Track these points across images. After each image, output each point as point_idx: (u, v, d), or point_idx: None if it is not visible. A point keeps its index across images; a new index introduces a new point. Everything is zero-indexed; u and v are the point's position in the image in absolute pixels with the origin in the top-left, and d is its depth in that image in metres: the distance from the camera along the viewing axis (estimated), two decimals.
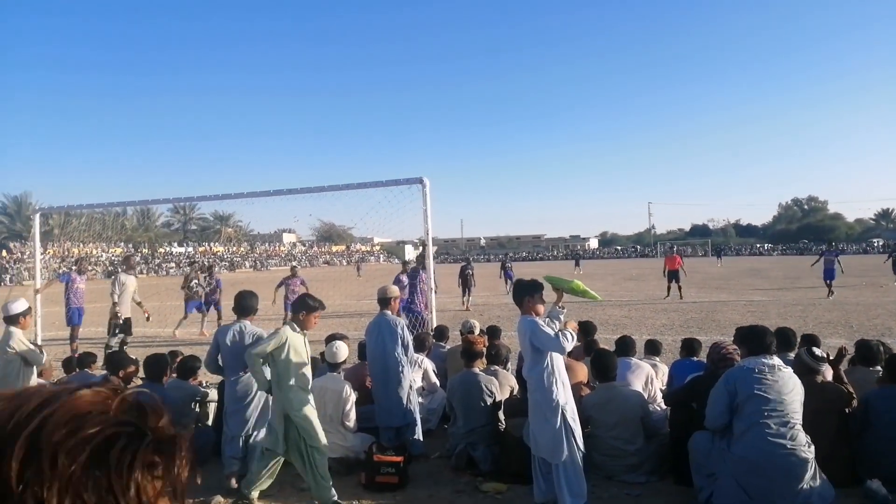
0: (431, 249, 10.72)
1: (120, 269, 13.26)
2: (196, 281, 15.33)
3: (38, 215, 13.09)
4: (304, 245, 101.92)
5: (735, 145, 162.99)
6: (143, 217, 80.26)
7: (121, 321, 11.67)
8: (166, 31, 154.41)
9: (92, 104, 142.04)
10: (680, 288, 21.57)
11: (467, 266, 21.25)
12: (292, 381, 4.81)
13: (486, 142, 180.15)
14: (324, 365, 6.41)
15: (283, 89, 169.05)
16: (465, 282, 20.76)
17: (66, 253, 60.32)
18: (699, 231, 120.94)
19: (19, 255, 61.20)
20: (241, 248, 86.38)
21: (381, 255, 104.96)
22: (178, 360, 6.98)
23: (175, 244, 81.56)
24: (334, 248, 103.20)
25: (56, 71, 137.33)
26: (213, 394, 6.62)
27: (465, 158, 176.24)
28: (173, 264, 67.72)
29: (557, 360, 4.63)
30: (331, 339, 6.73)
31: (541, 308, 4.76)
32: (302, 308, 5.02)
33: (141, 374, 6.56)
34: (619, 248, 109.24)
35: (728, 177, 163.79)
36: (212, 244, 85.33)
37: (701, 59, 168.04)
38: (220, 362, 5.56)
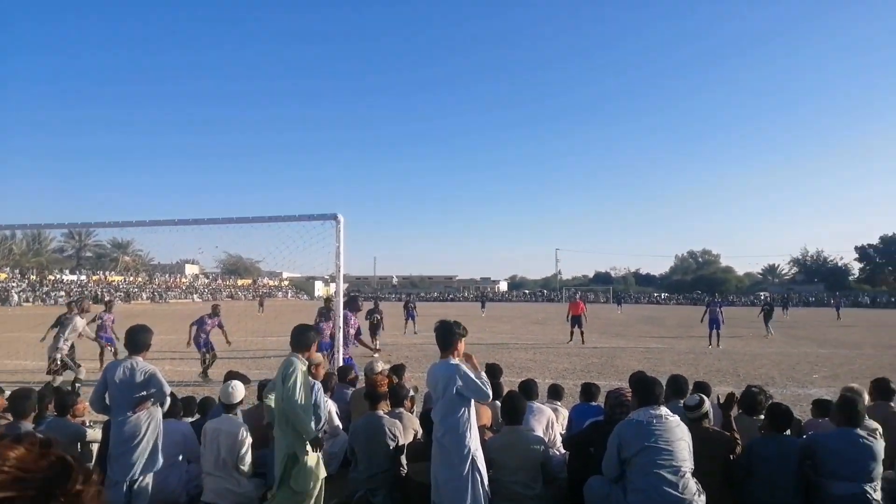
0: (342, 286, 10.62)
1: (75, 310, 12.12)
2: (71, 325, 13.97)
3: None
4: (208, 278, 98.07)
5: (638, 197, 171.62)
6: (33, 241, 75.11)
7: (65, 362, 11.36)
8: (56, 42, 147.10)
9: None
10: (582, 333, 22.28)
11: (375, 310, 20.17)
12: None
13: (402, 181, 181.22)
14: (219, 405, 6.14)
15: (195, 117, 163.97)
16: (374, 326, 19.63)
17: None
18: (602, 278, 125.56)
19: None
20: (139, 279, 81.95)
21: (290, 291, 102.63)
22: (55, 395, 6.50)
23: (67, 271, 76.50)
24: (240, 282, 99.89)
25: None
26: (97, 433, 6.19)
27: (380, 196, 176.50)
28: (63, 293, 63.45)
29: (473, 407, 4.65)
30: (228, 377, 6.47)
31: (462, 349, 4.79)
32: (306, 345, 5.09)
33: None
34: (526, 291, 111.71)
35: (631, 228, 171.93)
36: (107, 273, 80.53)
37: (605, 116, 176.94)
38: (108, 400, 5.19)
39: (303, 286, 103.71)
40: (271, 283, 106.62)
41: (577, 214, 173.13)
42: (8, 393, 6.04)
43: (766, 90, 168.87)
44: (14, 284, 62.00)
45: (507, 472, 5.17)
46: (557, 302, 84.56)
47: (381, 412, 5.83)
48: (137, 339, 5.29)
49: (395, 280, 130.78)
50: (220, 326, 14.43)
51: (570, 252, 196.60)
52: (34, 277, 69.05)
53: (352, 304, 12.03)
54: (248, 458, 5.53)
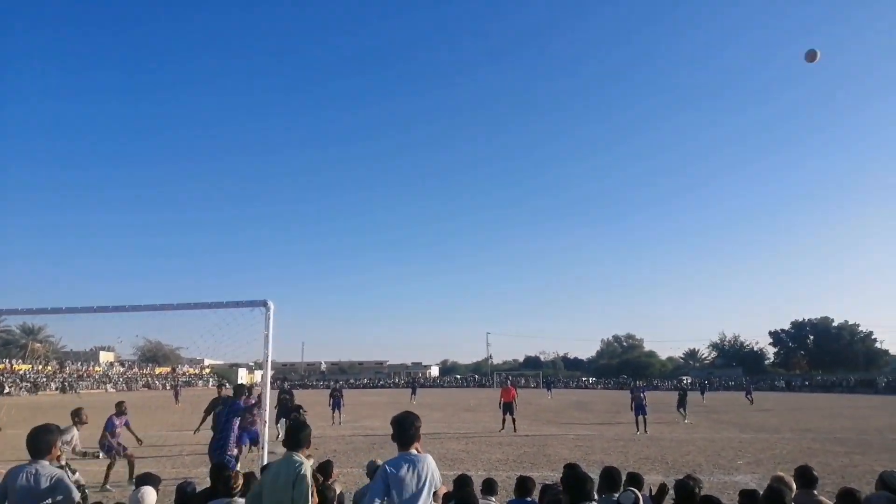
0: (269, 377, 10.26)
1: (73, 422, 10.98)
2: None
3: None
4: (124, 366, 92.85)
5: (565, 280, 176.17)
6: None
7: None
8: None
9: None
10: (514, 420, 22.22)
11: (287, 397, 19.36)
12: None
13: (329, 264, 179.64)
14: None
15: (117, 197, 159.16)
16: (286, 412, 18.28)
17: None
18: (532, 363, 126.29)
19: None
20: (49, 367, 76.68)
21: (211, 379, 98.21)
22: None
23: None
24: (157, 370, 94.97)
25: None
26: None
27: (307, 279, 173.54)
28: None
29: None
30: (139, 482, 6.05)
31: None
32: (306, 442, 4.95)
33: None
34: (458, 376, 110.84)
35: (559, 311, 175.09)
36: (13, 361, 74.92)
37: (533, 202, 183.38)
38: None
39: (225, 374, 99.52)
40: (192, 370, 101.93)
41: (506, 297, 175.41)
42: None
43: (680, 183, 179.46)
44: None
45: None
46: (489, 387, 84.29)
47: None
48: (40, 441, 4.91)
49: (323, 366, 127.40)
50: (127, 425, 13.11)
51: (500, 336, 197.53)
52: None
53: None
54: None
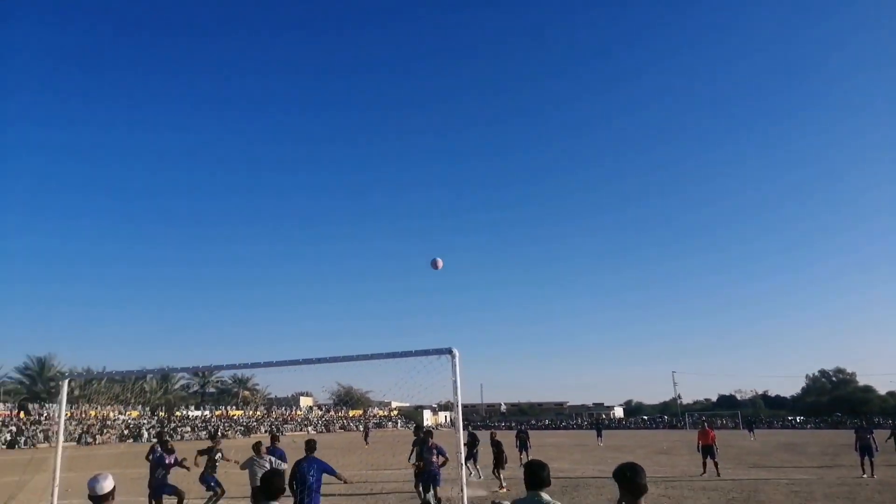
0: (461, 420, 10.49)
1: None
2: (219, 454, 13.88)
3: (66, 381, 13.18)
4: (321, 409, 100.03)
5: (760, 316, 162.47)
6: (162, 380, 79.90)
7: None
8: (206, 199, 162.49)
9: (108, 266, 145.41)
10: (716, 464, 20.60)
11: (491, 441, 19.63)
12: None
13: (507, 306, 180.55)
14: None
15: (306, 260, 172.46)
16: (499, 456, 18.78)
17: (84, 416, 59.84)
18: (726, 402, 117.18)
19: (37, 416, 60.49)
20: (258, 413, 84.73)
21: (399, 421, 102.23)
22: None
23: (192, 407, 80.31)
24: (351, 413, 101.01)
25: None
26: None
27: (484, 323, 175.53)
28: (189, 428, 66.26)
29: None
30: None
31: None
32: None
33: None
34: (645, 417, 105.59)
35: (752, 347, 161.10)
36: (228, 407, 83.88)
37: (721, 233, 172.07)
38: None
39: (411, 415, 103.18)
40: (381, 412, 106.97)
41: (694, 334, 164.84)
42: None
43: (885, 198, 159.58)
44: (144, 422, 65.44)
45: None
46: (680, 429, 79.37)
47: None
48: (272, 486, 5.35)
49: (503, 408, 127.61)
50: (178, 461, 12.93)
51: (688, 374, 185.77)
52: (163, 414, 72.79)
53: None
54: None
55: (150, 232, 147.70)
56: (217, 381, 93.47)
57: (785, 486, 17.75)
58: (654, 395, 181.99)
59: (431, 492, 13.06)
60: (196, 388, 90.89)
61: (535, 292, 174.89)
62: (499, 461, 18.69)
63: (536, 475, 4.74)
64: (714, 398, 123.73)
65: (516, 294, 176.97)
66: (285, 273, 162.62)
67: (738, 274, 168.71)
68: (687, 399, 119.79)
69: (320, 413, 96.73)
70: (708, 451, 20.81)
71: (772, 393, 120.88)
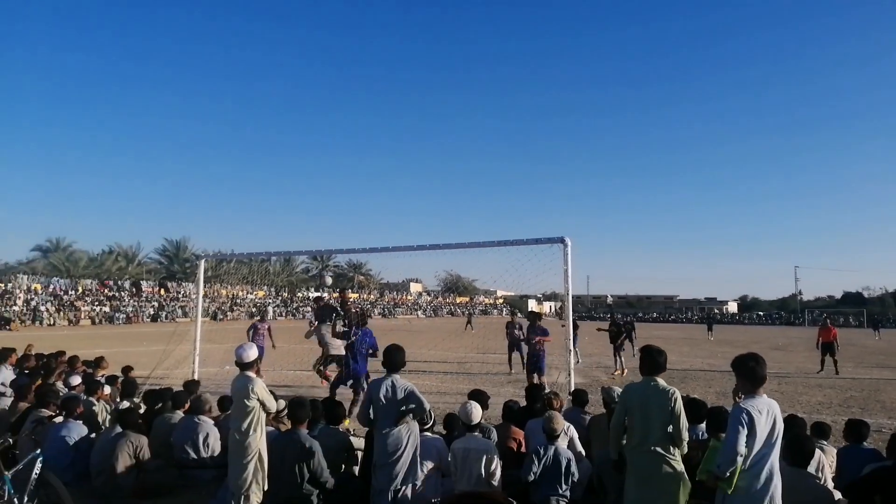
0: (571, 309, 10.57)
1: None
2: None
3: (202, 261, 14.36)
4: (430, 295, 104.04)
5: (889, 207, 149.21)
6: (285, 263, 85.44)
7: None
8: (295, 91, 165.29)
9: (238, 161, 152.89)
10: (836, 362, 19.83)
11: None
12: None
13: (615, 194, 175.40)
14: (462, 426, 6.35)
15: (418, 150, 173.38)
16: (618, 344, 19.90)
17: (216, 294, 65.42)
18: (852, 299, 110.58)
19: (175, 294, 66.90)
20: (371, 296, 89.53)
21: (504, 309, 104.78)
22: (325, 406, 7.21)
23: (312, 289, 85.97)
24: (458, 300, 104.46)
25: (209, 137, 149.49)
26: (361, 443, 6.79)
27: (594, 212, 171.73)
28: (309, 308, 71.29)
29: None
30: (470, 396, 6.80)
31: None
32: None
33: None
34: (760, 313, 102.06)
35: (885, 243, 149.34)
36: (345, 291, 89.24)
37: (851, 120, 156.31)
38: (372, 415, 5.67)
39: (516, 304, 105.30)
40: (487, 300, 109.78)
41: (819, 227, 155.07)
42: (282, 403, 6.84)
43: None
44: (270, 301, 70.89)
45: None
46: (798, 325, 76.41)
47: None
48: (395, 359, 5.77)
49: (609, 300, 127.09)
50: (270, 330, 15.68)
51: (811, 270, 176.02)
52: (286, 295, 78.45)
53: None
54: (499, 475, 5.69)
55: (275, 120, 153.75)
56: (334, 266, 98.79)
57: None
58: (771, 291, 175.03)
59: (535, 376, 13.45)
60: (315, 271, 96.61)
61: (646, 182, 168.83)
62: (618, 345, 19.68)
63: (654, 360, 4.75)
64: (838, 295, 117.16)
65: (627, 185, 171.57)
66: (395, 162, 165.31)
67: (868, 160, 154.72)
68: (808, 296, 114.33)
69: (429, 298, 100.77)
70: (828, 348, 20.04)
71: None
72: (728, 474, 4.00)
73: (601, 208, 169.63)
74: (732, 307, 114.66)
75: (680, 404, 4.59)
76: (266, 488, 5.60)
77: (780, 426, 4.18)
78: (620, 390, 7.29)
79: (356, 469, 6.79)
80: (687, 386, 16.10)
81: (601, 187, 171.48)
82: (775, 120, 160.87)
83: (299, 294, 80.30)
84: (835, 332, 20.45)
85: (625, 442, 4.86)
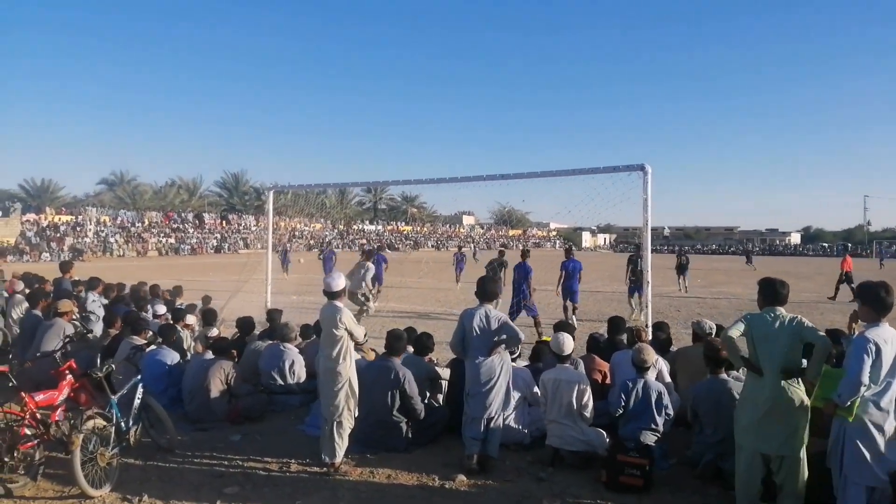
0: (649, 239, 10.16)
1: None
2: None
3: (271, 192, 14.40)
4: (483, 228, 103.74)
5: None
6: (340, 195, 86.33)
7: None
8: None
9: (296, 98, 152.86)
10: (852, 290, 19.14)
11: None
12: None
13: (673, 123, 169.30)
14: (552, 357, 6.29)
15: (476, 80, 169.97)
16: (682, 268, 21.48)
17: (276, 226, 66.90)
18: None
19: (236, 226, 68.64)
20: (425, 229, 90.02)
21: (557, 241, 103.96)
22: (414, 336, 7.26)
23: (367, 222, 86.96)
24: (511, 233, 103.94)
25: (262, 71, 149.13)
26: (446, 373, 6.84)
27: (646, 141, 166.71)
28: (364, 241, 72.34)
29: None
30: (558, 328, 6.72)
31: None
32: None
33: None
34: (825, 244, 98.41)
35: None
36: (399, 223, 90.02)
37: None
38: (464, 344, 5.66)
39: (570, 237, 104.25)
40: (540, 233, 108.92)
41: (889, 154, 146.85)
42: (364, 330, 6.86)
43: None
44: (327, 233, 72.16)
45: None
46: (866, 257, 73.59)
47: (724, 376, 5.54)
48: (488, 289, 5.70)
49: (666, 231, 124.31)
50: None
51: (880, 199, 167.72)
52: (342, 227, 79.59)
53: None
54: (591, 407, 5.66)
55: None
56: (388, 199, 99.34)
57: None
58: (837, 222, 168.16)
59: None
60: (369, 204, 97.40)
61: (705, 106, 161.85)
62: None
63: (776, 291, 4.54)
64: None
65: (686, 112, 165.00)
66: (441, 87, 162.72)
67: None
68: (877, 226, 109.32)
69: (482, 231, 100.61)
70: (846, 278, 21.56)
71: None
72: (849, 403, 3.88)
73: (657, 137, 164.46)
74: (795, 238, 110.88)
75: (816, 333, 4.33)
76: (357, 414, 5.70)
77: None
78: (709, 322, 7.12)
79: (440, 398, 6.87)
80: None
81: (659, 115, 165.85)
82: (837, 42, 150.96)
83: (355, 226, 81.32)
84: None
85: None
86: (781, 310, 4.45)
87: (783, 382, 4.32)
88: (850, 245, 77.80)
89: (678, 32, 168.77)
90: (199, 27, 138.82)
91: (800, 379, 4.36)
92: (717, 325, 7.17)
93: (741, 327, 4.50)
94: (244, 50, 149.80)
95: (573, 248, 22.11)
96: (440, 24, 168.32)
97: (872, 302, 4.11)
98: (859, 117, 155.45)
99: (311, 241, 60.81)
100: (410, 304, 18.31)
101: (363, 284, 14.06)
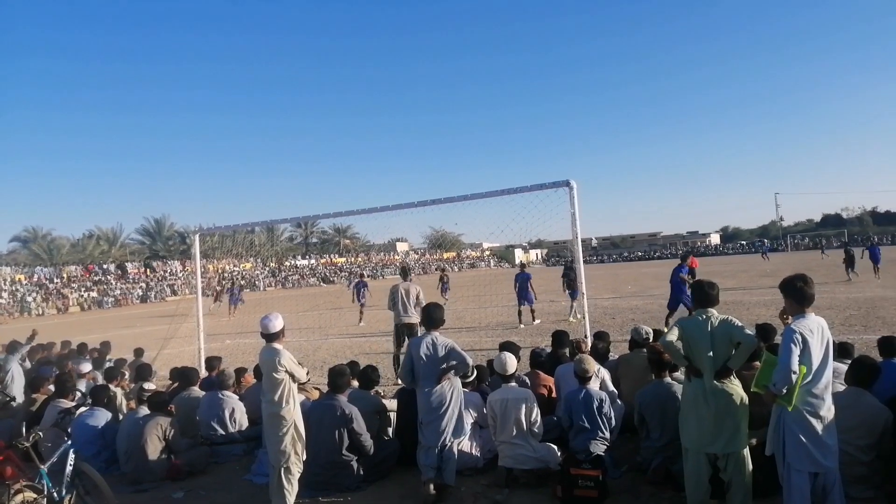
0: (580, 251, 10.38)
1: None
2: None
3: (197, 235, 13.99)
4: (417, 253, 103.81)
5: (866, 125, 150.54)
6: (269, 233, 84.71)
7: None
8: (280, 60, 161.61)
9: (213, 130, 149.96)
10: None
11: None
12: None
13: (592, 136, 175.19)
14: (497, 377, 6.32)
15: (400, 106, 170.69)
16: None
17: (204, 270, 64.77)
18: (832, 221, 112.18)
19: (161, 273, 66.23)
20: (359, 259, 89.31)
21: (492, 260, 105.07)
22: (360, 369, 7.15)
23: (298, 257, 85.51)
24: (445, 255, 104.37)
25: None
26: (392, 404, 6.75)
27: (573, 153, 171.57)
28: (297, 276, 71.06)
29: None
30: (502, 348, 6.76)
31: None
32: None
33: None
34: (743, 242, 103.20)
35: (861, 160, 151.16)
36: (332, 256, 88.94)
37: (826, 34, 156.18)
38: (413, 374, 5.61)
39: (503, 255, 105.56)
40: (473, 253, 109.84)
41: (796, 153, 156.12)
42: (305, 370, 6.69)
43: None
44: (258, 273, 70.54)
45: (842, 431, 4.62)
46: (782, 251, 77.56)
47: (667, 380, 5.68)
48: (434, 316, 5.69)
49: (594, 242, 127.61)
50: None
51: (789, 196, 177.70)
52: (273, 265, 77.99)
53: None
54: (540, 423, 5.68)
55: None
56: (319, 232, 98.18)
57: None
58: (752, 219, 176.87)
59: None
60: (300, 239, 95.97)
61: (622, 119, 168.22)
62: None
63: (706, 293, 4.70)
64: (818, 218, 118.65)
65: (603, 125, 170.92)
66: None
67: (843, 81, 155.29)
68: (789, 221, 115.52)
69: (416, 257, 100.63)
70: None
71: (882, 209, 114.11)
72: (785, 391, 4.05)
73: (578, 151, 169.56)
74: (715, 239, 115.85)
75: (744, 332, 4.49)
76: (305, 457, 5.54)
77: (831, 343, 4.27)
78: (646, 328, 7.32)
79: (390, 430, 6.77)
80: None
81: (577, 129, 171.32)
82: (742, 43, 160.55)
83: (286, 262, 79.86)
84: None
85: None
86: (713, 311, 4.61)
87: (719, 383, 4.47)
88: (766, 241, 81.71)
89: (588, 48, 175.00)
90: (109, 62, 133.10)
91: (734, 375, 4.53)
92: (653, 329, 7.37)
93: (676, 332, 4.64)
94: (155, 84, 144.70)
95: (524, 264, 23.04)
96: (347, 56, 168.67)
97: (793, 294, 4.31)
98: (767, 115, 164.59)
99: (242, 282, 59.37)
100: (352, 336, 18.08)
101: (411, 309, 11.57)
